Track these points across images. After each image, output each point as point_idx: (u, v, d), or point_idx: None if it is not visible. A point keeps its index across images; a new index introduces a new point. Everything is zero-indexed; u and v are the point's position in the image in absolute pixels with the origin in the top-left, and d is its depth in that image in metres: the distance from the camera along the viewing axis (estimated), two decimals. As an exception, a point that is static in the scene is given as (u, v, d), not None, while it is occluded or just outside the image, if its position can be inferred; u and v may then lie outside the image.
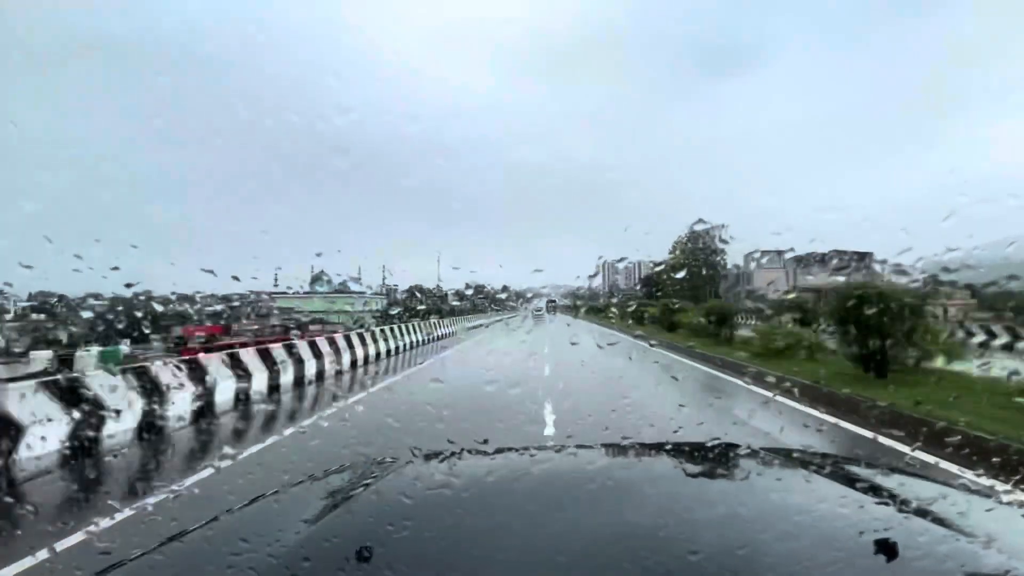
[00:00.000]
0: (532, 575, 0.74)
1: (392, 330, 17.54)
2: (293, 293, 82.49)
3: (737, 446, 1.33)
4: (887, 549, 0.71)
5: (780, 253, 75.70)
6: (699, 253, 69.08)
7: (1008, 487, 1.47)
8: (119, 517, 3.26)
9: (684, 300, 40.33)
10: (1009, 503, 1.02)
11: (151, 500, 3.72)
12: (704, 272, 67.55)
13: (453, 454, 1.32)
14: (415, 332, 19.80)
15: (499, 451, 1.33)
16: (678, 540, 0.82)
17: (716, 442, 1.39)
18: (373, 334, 15.42)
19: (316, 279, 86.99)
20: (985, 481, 2.98)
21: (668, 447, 1.38)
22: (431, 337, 21.29)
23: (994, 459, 3.83)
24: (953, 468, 3.01)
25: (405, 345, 18.18)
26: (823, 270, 69.64)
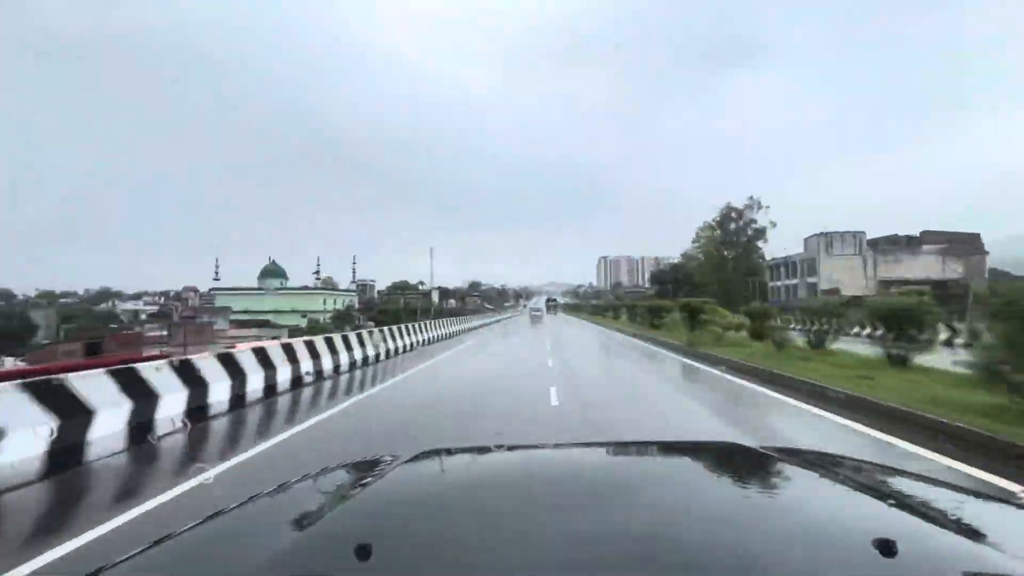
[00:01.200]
0: (530, 573, 0.72)
1: (310, 346, 10.84)
2: (241, 289, 68.93)
3: (737, 445, 1.35)
4: (887, 548, 0.70)
5: (856, 236, 58.35)
6: (733, 238, 57.28)
7: (1009, 487, 1.40)
8: None
9: (710, 297, 31.33)
10: (1009, 503, 1.02)
11: None
12: (736, 262, 56.51)
13: (452, 452, 1.33)
14: (357, 347, 13.32)
15: (498, 449, 1.31)
16: (677, 539, 0.81)
17: (716, 441, 1.47)
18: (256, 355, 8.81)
19: (267, 273, 71.81)
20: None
21: (668, 446, 1.39)
22: (380, 355, 14.89)
23: None
24: None
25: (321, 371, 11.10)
26: (912, 257, 54.93)
